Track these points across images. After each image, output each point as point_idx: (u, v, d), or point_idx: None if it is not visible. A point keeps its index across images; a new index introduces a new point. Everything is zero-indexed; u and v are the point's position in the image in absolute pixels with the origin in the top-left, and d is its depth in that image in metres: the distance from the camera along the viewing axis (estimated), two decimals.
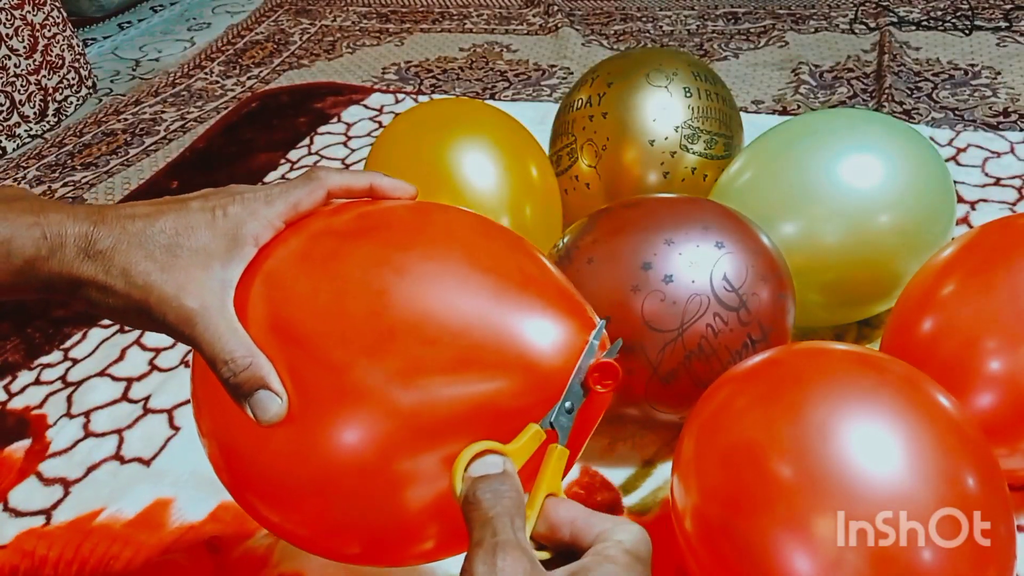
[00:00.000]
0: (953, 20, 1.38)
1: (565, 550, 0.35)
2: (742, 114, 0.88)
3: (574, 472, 0.68)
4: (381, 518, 0.41)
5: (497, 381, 0.39)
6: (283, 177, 1.14)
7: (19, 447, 0.77)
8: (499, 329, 0.40)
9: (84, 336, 0.89)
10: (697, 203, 0.67)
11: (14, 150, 1.31)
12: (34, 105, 1.35)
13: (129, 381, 0.83)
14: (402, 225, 0.44)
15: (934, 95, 1.18)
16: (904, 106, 1.15)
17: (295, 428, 0.40)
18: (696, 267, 0.61)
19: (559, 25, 1.54)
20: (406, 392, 0.39)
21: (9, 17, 1.29)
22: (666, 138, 0.80)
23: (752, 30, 1.46)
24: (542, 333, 0.40)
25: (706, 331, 0.60)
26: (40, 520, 0.69)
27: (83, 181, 1.20)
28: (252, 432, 0.41)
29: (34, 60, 1.34)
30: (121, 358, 0.86)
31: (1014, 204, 0.93)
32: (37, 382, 0.84)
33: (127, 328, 0.89)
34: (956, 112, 1.13)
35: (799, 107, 1.20)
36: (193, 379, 0.46)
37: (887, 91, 1.18)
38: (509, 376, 0.39)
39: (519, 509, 0.34)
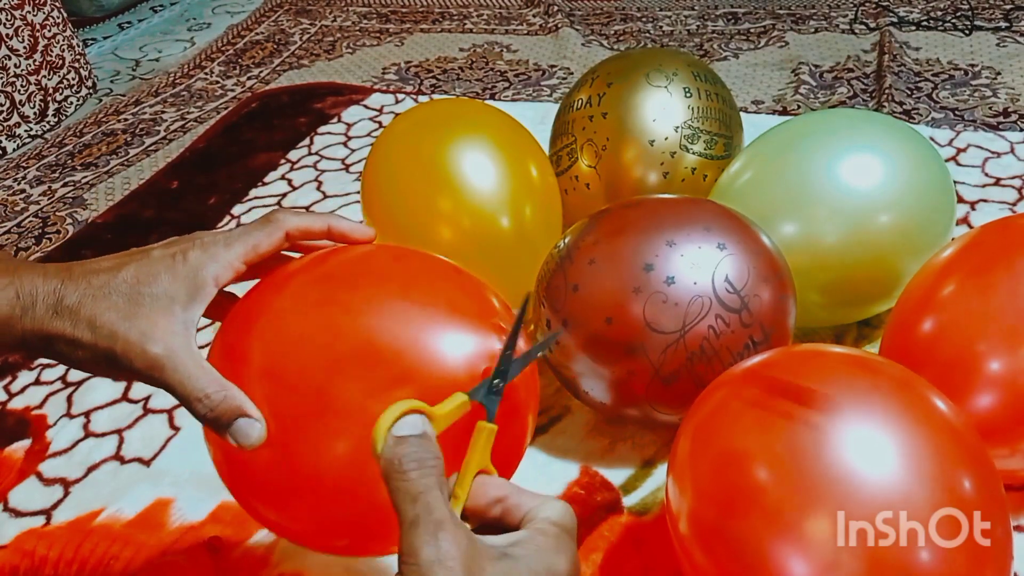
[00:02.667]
0: (953, 20, 1.38)
1: (491, 525, 0.37)
2: (742, 114, 0.88)
3: (574, 472, 0.68)
4: (363, 512, 0.45)
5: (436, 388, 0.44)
6: (283, 177, 1.14)
7: (19, 447, 0.77)
8: (429, 347, 0.45)
9: None
10: (698, 204, 0.67)
11: (14, 150, 1.31)
12: (34, 105, 1.35)
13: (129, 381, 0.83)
14: (352, 268, 0.49)
15: (934, 95, 1.18)
16: (904, 106, 1.15)
17: (277, 448, 0.43)
18: (698, 268, 0.60)
19: (559, 25, 1.54)
20: (368, 404, 0.42)
21: (9, 17, 1.29)
22: (666, 138, 0.80)
23: (752, 30, 1.46)
24: (459, 346, 0.46)
25: (708, 332, 0.60)
26: (40, 520, 0.69)
27: (83, 181, 1.20)
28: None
29: (34, 60, 1.34)
30: None
31: (1014, 204, 0.93)
32: (37, 382, 0.84)
33: None
34: (956, 112, 1.13)
35: (799, 107, 1.20)
36: None
37: (887, 91, 1.18)
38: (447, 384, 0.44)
39: (443, 478, 0.35)
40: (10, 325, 0.40)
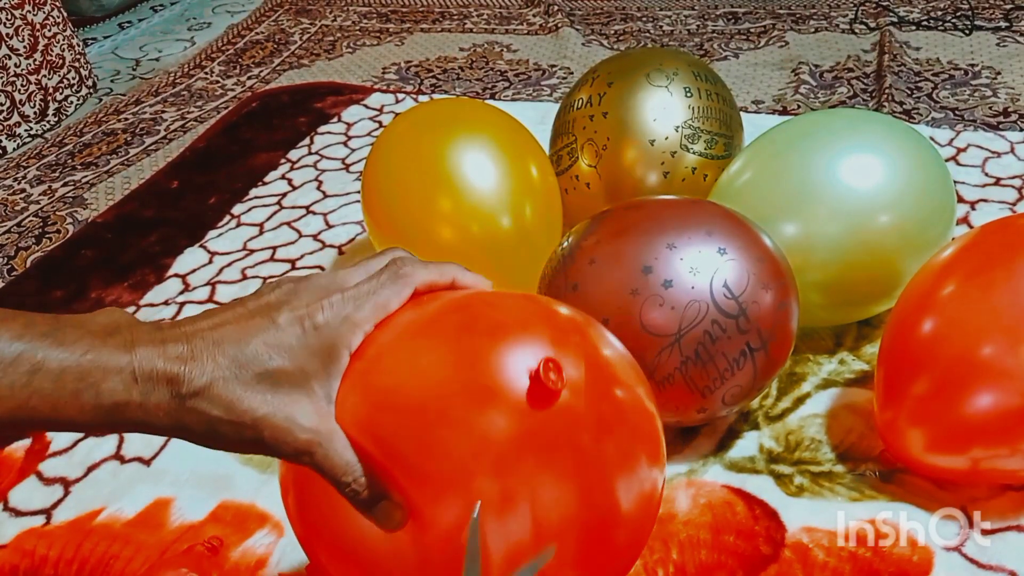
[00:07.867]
0: (953, 20, 1.38)
1: None
2: (742, 114, 0.88)
3: None
4: None
5: None
6: (283, 176, 1.14)
7: (19, 447, 0.77)
8: None
9: None
10: (701, 206, 0.67)
11: (14, 150, 1.31)
12: (34, 105, 1.35)
13: None
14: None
15: (934, 95, 1.18)
16: (904, 106, 1.15)
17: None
18: (697, 273, 0.60)
19: (559, 25, 1.54)
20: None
21: (9, 17, 1.29)
22: (666, 138, 0.80)
23: (752, 30, 1.46)
24: None
25: (703, 337, 0.60)
26: (40, 520, 0.69)
27: (83, 181, 1.20)
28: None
29: (34, 60, 1.34)
30: None
31: (1014, 204, 0.93)
32: None
33: None
34: (956, 112, 1.13)
35: (799, 107, 1.20)
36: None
37: (887, 91, 1.18)
38: None
39: None
40: (124, 411, 0.37)
